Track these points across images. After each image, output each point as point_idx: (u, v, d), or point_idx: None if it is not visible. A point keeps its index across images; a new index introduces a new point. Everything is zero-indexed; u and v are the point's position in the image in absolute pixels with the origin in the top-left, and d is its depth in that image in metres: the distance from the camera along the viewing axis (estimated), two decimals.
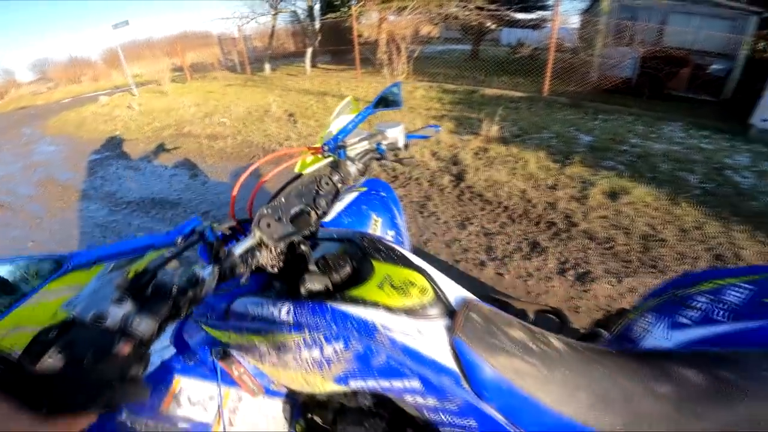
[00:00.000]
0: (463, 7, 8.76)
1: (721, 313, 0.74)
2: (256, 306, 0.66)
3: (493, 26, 12.97)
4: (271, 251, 0.63)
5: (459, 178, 3.55)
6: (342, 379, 0.60)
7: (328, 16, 11.17)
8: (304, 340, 0.59)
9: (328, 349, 0.59)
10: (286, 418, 0.80)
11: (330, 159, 0.84)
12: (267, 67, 12.11)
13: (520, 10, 13.29)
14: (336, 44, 12.20)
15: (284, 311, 0.61)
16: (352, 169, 0.83)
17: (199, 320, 0.74)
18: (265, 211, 0.65)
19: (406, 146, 0.95)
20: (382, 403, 0.72)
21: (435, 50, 14.18)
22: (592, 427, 0.54)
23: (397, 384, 0.58)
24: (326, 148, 0.84)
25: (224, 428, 0.69)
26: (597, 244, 2.54)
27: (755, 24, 7.15)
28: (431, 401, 0.57)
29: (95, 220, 3.38)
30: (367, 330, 0.57)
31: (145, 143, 5.65)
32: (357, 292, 0.60)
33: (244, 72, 12.81)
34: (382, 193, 1.23)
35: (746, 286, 0.76)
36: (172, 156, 4.94)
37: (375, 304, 0.58)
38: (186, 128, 6.04)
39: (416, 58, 8.75)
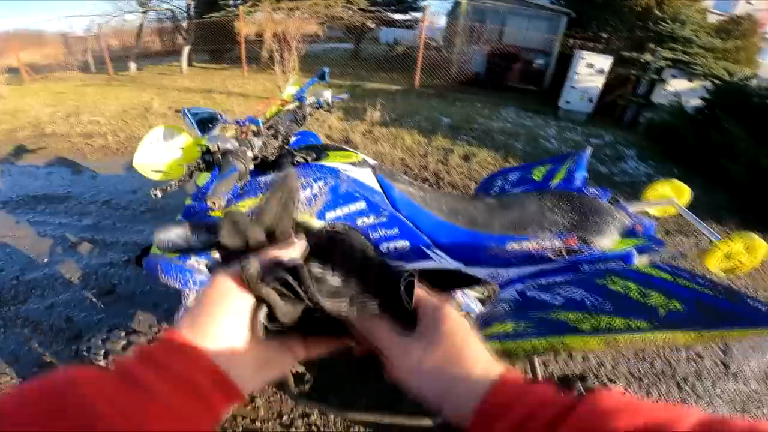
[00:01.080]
0: (348, 8, 9.48)
1: (528, 180, 1.46)
2: (260, 183, 1.16)
3: (373, 26, 14.02)
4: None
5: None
6: (321, 214, 1.12)
7: (213, 14, 10.75)
8: (301, 185, 1.10)
9: (315, 187, 1.10)
10: None
11: (296, 104, 1.37)
12: (132, 66, 11.05)
13: (397, 11, 14.64)
14: (214, 43, 11.82)
15: (280, 173, 1.15)
16: (307, 110, 1.37)
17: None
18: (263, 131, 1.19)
19: (331, 103, 1.55)
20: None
21: (319, 48, 14.59)
22: (456, 224, 1.16)
23: (353, 207, 1.12)
24: (293, 98, 1.38)
25: None
26: (458, 189, 3.48)
27: (565, 24, 9.19)
28: (372, 219, 1.13)
29: None
30: (334, 172, 1.12)
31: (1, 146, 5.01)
32: (324, 160, 1.17)
33: (101, 71, 11.51)
34: (311, 139, 1.76)
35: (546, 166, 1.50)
36: (39, 156, 4.53)
37: (336, 163, 1.15)
38: (48, 129, 5.45)
39: (303, 56, 9.16)
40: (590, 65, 6.49)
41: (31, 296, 2.24)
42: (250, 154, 1.10)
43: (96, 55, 12.29)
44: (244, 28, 9.13)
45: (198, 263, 1.15)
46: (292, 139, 1.55)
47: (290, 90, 1.51)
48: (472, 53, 8.89)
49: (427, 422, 1.28)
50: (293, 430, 1.52)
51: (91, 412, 0.24)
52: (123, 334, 1.28)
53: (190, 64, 11.29)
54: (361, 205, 1.14)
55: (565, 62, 7.95)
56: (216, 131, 1.20)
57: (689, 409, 0.27)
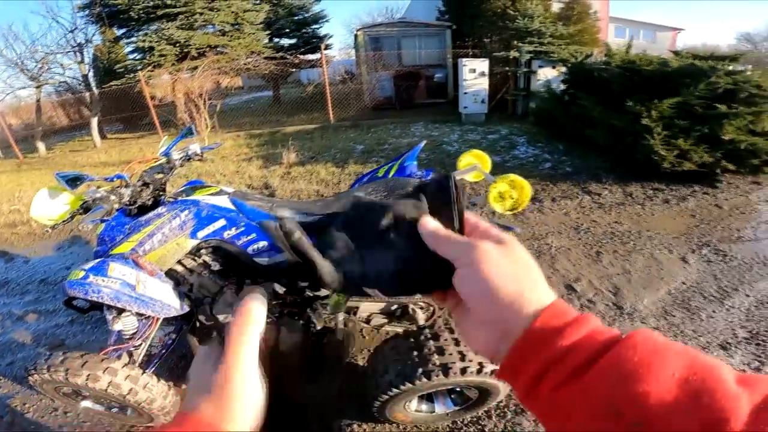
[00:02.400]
0: (254, 60, 9.91)
1: (375, 178, 1.80)
2: (142, 221, 1.41)
3: (293, 70, 14.55)
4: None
5: (271, 194, 4.47)
6: (193, 234, 1.39)
7: (113, 83, 10.67)
8: (169, 217, 1.36)
9: (181, 216, 1.37)
10: (179, 282, 1.54)
11: (164, 159, 1.62)
12: (41, 146, 10.47)
13: (307, 52, 15.34)
14: (123, 111, 11.63)
15: (155, 212, 1.40)
16: (176, 163, 1.62)
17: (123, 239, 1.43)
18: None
19: (202, 154, 1.80)
20: (217, 249, 1.53)
21: (241, 100, 14.85)
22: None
23: (217, 225, 1.39)
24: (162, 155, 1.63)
25: (142, 291, 1.37)
26: None
27: (450, 36, 10.18)
28: (234, 230, 1.40)
29: None
30: (195, 202, 1.39)
31: None
32: (190, 197, 1.44)
33: (8, 156, 10.84)
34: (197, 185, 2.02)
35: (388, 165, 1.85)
36: None
37: (197, 197, 1.42)
38: None
39: (220, 112, 9.37)
40: (473, 70, 7.32)
41: None
42: (114, 198, 1.44)
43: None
44: (152, 91, 9.21)
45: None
46: (170, 186, 1.83)
47: (162, 149, 1.79)
48: (378, 80, 9.59)
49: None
50: None
51: None
52: (60, 353, 1.56)
53: (103, 137, 11.00)
54: (221, 222, 1.44)
55: (457, 72, 8.88)
56: (86, 187, 1.48)
57: (725, 365, 0.25)
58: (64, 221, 1.47)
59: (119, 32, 11.54)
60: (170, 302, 1.45)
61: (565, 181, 4.54)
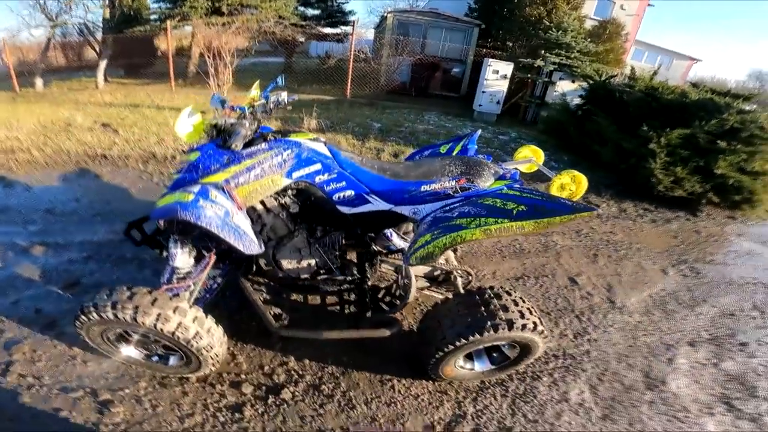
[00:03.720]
0: (281, 24, 9.77)
1: (437, 153, 2.02)
2: (243, 154, 1.55)
3: (303, 40, 14.35)
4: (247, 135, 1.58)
5: None
6: (289, 173, 1.56)
7: (137, 28, 10.32)
8: (272, 154, 1.53)
9: (283, 155, 1.54)
10: (253, 221, 1.68)
11: (263, 101, 1.73)
12: (39, 82, 10.18)
13: (327, 26, 15.17)
14: (131, 58, 11.30)
15: (258, 146, 1.54)
16: (271, 106, 1.73)
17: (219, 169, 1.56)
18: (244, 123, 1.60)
19: (288, 102, 1.86)
20: (302, 191, 1.69)
21: (248, 62, 14.56)
22: (385, 176, 1.66)
23: (313, 168, 1.58)
24: (260, 97, 1.77)
25: (237, 223, 1.49)
26: None
27: (477, 34, 10.33)
28: (326, 176, 1.59)
29: None
30: (297, 144, 1.57)
31: None
32: (290, 137, 1.59)
33: (2, 89, 10.42)
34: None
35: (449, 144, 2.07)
36: None
37: (298, 139, 1.60)
38: None
39: (234, 70, 9.25)
40: (496, 71, 7.55)
41: None
42: (247, 125, 1.60)
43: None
44: (170, 42, 9.01)
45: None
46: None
47: (254, 92, 1.91)
48: (398, 64, 9.66)
49: (384, 333, 1.74)
50: (275, 377, 1.84)
51: None
52: (125, 288, 1.50)
53: (105, 80, 10.71)
54: (317, 166, 1.61)
55: (478, 70, 9.04)
56: (220, 114, 1.62)
57: None
58: (196, 139, 1.68)
59: None
60: (254, 238, 1.55)
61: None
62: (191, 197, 1.40)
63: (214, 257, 1.73)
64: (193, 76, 10.64)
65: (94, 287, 2.32)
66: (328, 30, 15.04)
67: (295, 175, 1.60)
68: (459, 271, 2.03)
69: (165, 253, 1.91)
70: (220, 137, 1.62)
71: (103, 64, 10.02)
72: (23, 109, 7.27)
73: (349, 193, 1.64)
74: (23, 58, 10.53)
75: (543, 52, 7.79)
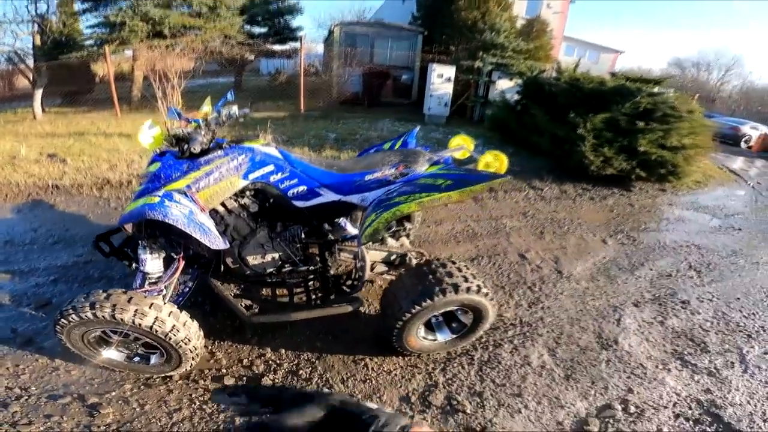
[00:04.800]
0: (228, 43, 9.72)
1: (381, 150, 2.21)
2: (201, 161, 1.67)
3: (253, 58, 14.32)
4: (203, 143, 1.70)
5: None
6: (245, 175, 1.69)
7: (72, 54, 9.90)
8: (228, 159, 1.66)
9: (238, 159, 1.68)
10: (216, 222, 1.80)
11: (215, 114, 1.83)
12: None
13: (276, 42, 15.23)
14: (63, 85, 10.81)
15: (215, 153, 1.68)
16: (222, 119, 1.83)
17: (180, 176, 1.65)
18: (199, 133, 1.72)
19: (239, 115, 1.97)
20: (259, 192, 1.82)
21: (196, 84, 14.31)
22: (332, 171, 1.85)
23: (266, 170, 1.72)
24: (212, 111, 1.88)
25: (202, 221, 1.61)
26: None
27: (421, 41, 10.81)
28: (279, 175, 1.74)
29: None
30: (251, 149, 1.72)
31: None
32: (246, 143, 1.75)
33: None
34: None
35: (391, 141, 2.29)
36: None
37: (251, 144, 1.75)
38: None
39: (183, 92, 9.11)
40: (440, 75, 7.99)
41: None
42: (201, 135, 1.72)
43: None
44: (110, 67, 8.76)
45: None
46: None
47: (206, 108, 2.04)
48: (348, 75, 9.93)
49: (347, 308, 1.91)
50: (254, 368, 1.95)
51: None
52: (101, 291, 1.59)
53: (42, 110, 10.17)
54: (270, 167, 1.78)
55: (426, 75, 9.50)
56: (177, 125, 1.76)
57: None
58: (158, 147, 1.81)
59: (82, 6, 10.71)
60: (218, 235, 1.68)
61: (515, 177, 5.27)
62: (157, 199, 1.53)
63: (183, 261, 1.84)
64: (138, 101, 10.36)
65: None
66: (277, 47, 15.16)
67: (251, 176, 1.75)
68: (413, 253, 2.25)
69: (134, 265, 2.00)
70: (178, 147, 1.75)
71: (38, 93, 9.48)
72: None
73: (302, 188, 1.82)
74: None
75: (481, 53, 8.34)
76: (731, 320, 2.65)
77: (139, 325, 1.55)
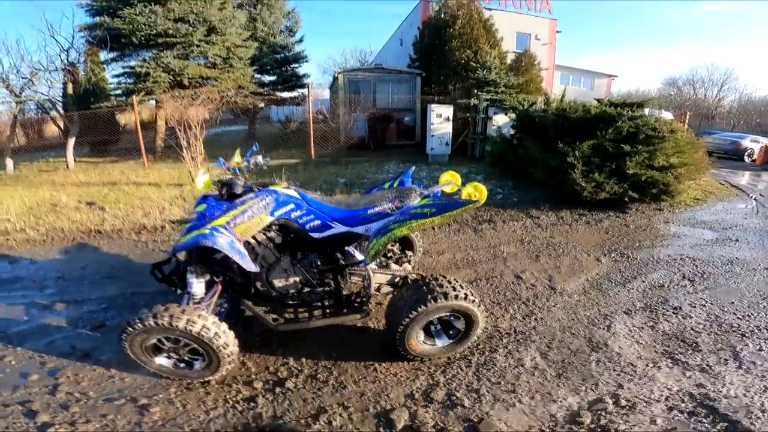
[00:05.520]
0: (242, 93, 10.64)
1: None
2: (238, 202, 2.12)
3: (263, 105, 15.42)
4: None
5: None
6: (272, 213, 2.12)
7: (102, 104, 10.87)
8: (258, 200, 2.10)
9: (266, 200, 2.11)
10: (249, 252, 2.20)
11: (245, 163, 2.32)
12: (9, 164, 10.25)
13: (284, 90, 16.46)
14: (96, 135, 11.63)
15: (248, 195, 2.13)
16: (251, 167, 2.33)
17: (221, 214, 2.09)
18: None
19: (263, 164, 2.46)
20: (282, 226, 2.25)
21: (212, 133, 15.32)
22: (341, 207, 2.27)
23: (288, 208, 2.16)
24: (243, 161, 2.36)
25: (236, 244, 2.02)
26: None
27: (420, 82, 11.52)
28: (299, 212, 2.17)
29: None
30: (275, 192, 2.15)
31: None
32: (270, 187, 2.19)
33: None
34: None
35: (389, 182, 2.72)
36: None
37: (275, 188, 2.19)
38: None
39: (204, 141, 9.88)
40: (439, 115, 8.57)
41: (26, 340, 2.63)
42: (240, 181, 2.20)
43: None
44: (134, 117, 9.56)
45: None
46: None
47: (237, 158, 2.53)
48: (354, 121, 10.63)
49: (357, 317, 2.27)
50: (279, 374, 2.27)
51: None
52: (161, 305, 1.99)
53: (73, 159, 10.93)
54: (291, 206, 2.21)
55: (426, 116, 10.17)
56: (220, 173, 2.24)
57: None
58: (208, 191, 2.28)
59: (109, 56, 11.75)
60: (251, 261, 2.09)
61: (513, 208, 5.63)
62: (207, 231, 1.96)
63: (221, 285, 2.27)
64: (161, 150, 11.21)
65: (118, 327, 2.73)
66: (286, 94, 16.34)
67: (276, 213, 2.18)
68: (413, 275, 2.60)
69: (178, 291, 2.43)
70: (219, 191, 2.22)
71: (71, 142, 10.12)
72: (2, 192, 7.46)
73: (317, 222, 2.23)
74: None
75: (475, 90, 8.94)
76: (724, 322, 2.81)
77: (190, 331, 1.94)
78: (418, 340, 2.25)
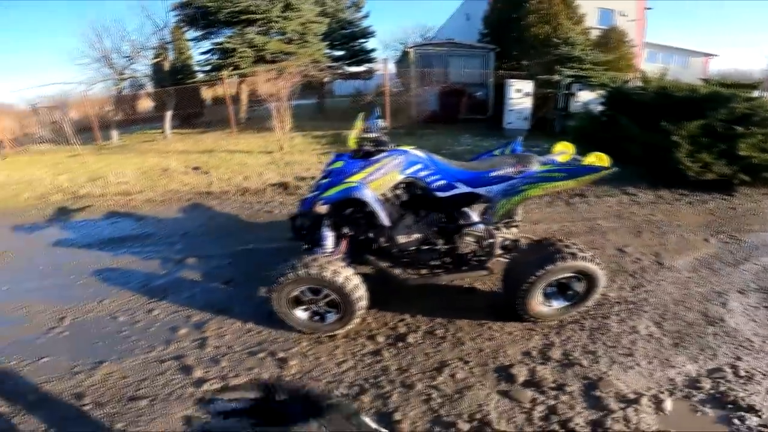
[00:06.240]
0: (317, 67, 11.04)
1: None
2: (372, 160, 2.34)
3: (330, 79, 15.82)
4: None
5: None
6: (403, 170, 2.32)
7: (196, 79, 11.90)
8: (391, 158, 2.31)
9: (398, 159, 2.31)
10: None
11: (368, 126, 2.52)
12: (115, 135, 11.59)
13: (352, 65, 16.70)
14: (184, 108, 12.66)
15: (382, 155, 2.34)
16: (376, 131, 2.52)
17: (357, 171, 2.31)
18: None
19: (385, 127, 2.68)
20: (410, 184, 2.44)
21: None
22: (465, 169, 2.41)
23: (417, 167, 2.34)
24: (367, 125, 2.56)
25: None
26: None
27: (494, 58, 11.13)
28: (426, 171, 2.34)
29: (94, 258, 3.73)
30: (406, 152, 2.37)
31: (39, 209, 5.44)
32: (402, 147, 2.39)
33: (71, 143, 11.62)
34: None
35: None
36: (89, 213, 5.10)
37: (405, 148, 2.40)
38: (81, 192, 5.98)
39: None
40: (519, 90, 8.27)
41: (167, 294, 2.96)
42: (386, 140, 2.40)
43: (58, 126, 12.52)
44: (216, 92, 10.40)
45: None
46: None
47: (359, 123, 2.73)
48: (426, 94, 10.57)
49: (483, 272, 2.44)
50: (398, 329, 2.45)
51: None
52: (309, 256, 2.20)
53: (163, 131, 12.00)
54: (420, 165, 2.36)
55: (500, 91, 9.83)
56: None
57: None
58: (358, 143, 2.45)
59: (197, 34, 12.66)
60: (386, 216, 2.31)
61: (605, 184, 5.37)
62: (355, 184, 2.19)
63: (348, 240, 2.51)
64: (244, 122, 12.00)
65: (246, 282, 3.05)
66: (353, 69, 16.55)
67: (407, 172, 2.35)
68: (523, 239, 2.68)
69: (305, 246, 2.69)
70: (359, 148, 2.43)
71: (168, 115, 11.25)
72: (113, 160, 8.45)
73: (442, 182, 2.37)
74: (92, 113, 11.76)
75: (558, 66, 8.46)
76: None
77: (334, 282, 2.11)
78: (537, 301, 2.34)
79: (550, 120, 8.92)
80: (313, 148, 7.94)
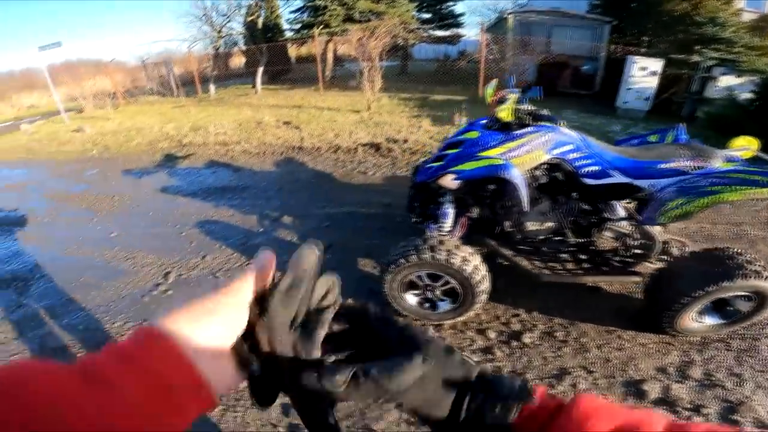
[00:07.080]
0: (407, 28, 10.63)
1: (648, 142, 2.33)
2: (515, 135, 2.03)
3: (415, 42, 15.21)
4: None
5: None
6: (549, 150, 2.00)
7: (289, 37, 12.15)
8: (538, 135, 1.99)
9: (546, 136, 1.98)
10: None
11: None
12: (212, 88, 12.37)
13: (439, 28, 15.85)
14: (272, 65, 13.04)
15: (527, 129, 2.02)
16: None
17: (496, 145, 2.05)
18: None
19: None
20: (554, 166, 2.11)
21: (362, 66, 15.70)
22: (624, 156, 2.02)
23: (567, 148, 2.00)
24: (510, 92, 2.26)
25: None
26: None
27: (609, 31, 9.79)
28: (577, 154, 2.00)
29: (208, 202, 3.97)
30: (556, 129, 2.01)
31: (149, 155, 5.93)
32: (548, 122, 2.07)
33: (175, 95, 12.61)
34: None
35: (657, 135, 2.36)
36: (192, 161, 5.44)
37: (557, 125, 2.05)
38: (185, 140, 6.40)
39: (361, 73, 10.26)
40: (643, 68, 7.16)
41: None
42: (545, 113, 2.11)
43: (164, 80, 13.82)
44: (304, 51, 10.44)
45: None
46: None
47: (490, 90, 2.43)
48: (524, 63, 9.64)
49: (635, 279, 2.19)
50: (511, 326, 2.23)
51: (46, 413, 0.22)
52: (433, 238, 2.03)
53: (253, 86, 12.49)
54: (571, 146, 2.01)
55: (613, 66, 8.64)
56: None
57: (657, 414, 0.31)
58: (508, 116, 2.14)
59: None
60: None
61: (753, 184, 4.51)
62: (502, 162, 1.92)
63: (467, 220, 2.27)
64: (329, 80, 12.03)
65: (343, 250, 2.97)
66: (440, 33, 15.67)
67: (554, 152, 2.02)
68: (674, 241, 2.27)
69: (415, 220, 2.51)
70: (492, 123, 2.15)
71: (260, 70, 11.70)
72: (212, 111, 9.02)
73: (595, 168, 2.01)
74: (192, 68, 12.68)
75: (698, 47, 7.17)
76: None
77: (463, 270, 1.91)
78: (690, 316, 1.99)
79: (677, 103, 7.69)
80: (402, 110, 7.64)
